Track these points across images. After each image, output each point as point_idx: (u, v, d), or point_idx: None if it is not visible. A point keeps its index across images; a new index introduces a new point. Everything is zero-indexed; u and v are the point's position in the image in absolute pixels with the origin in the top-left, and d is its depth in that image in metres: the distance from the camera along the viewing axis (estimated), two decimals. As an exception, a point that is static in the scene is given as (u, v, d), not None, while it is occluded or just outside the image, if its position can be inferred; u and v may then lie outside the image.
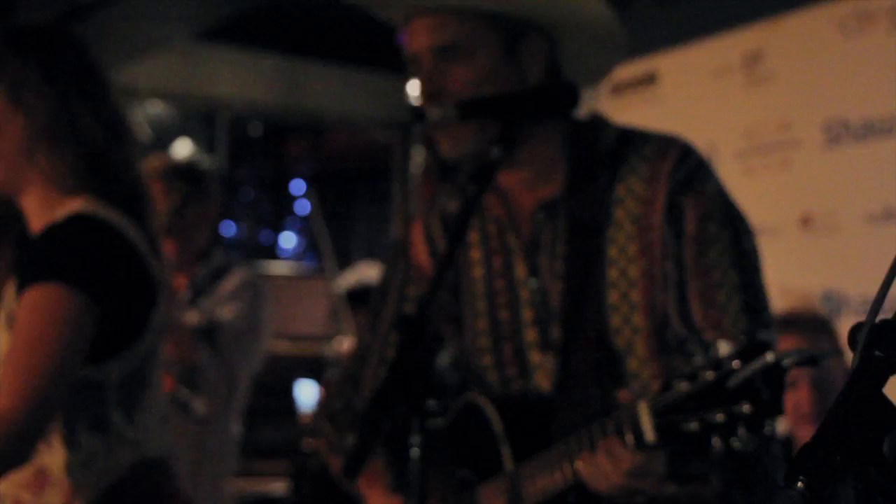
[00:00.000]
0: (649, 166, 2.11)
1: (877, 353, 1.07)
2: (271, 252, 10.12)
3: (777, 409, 1.63)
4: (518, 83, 2.10)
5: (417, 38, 2.13)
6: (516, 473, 2.07)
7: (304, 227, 10.17)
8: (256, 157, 9.43)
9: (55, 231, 2.25)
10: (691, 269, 2.05)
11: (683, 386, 1.70)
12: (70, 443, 2.26)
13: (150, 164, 3.80)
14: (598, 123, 2.20)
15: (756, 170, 5.04)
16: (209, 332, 3.81)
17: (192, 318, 3.85)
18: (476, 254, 2.25)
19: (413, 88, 2.14)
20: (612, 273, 2.09)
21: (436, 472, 2.22)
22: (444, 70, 2.09)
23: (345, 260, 8.17)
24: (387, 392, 1.87)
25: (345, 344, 5.40)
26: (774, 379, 1.62)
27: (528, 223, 2.18)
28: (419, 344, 1.90)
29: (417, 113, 2.11)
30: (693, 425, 1.70)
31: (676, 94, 5.46)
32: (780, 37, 5.00)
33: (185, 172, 3.91)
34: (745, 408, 1.63)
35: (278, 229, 10.45)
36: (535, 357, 2.15)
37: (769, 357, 1.60)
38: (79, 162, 2.29)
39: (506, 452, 2.10)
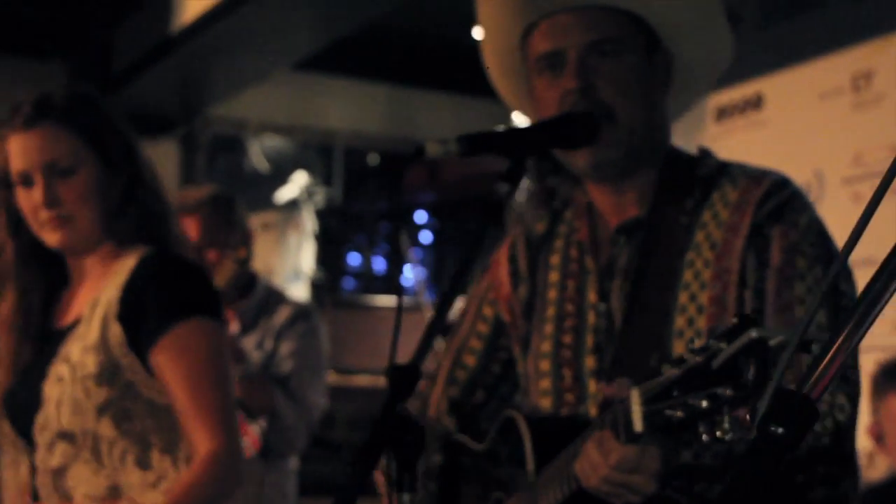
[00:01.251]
0: (739, 193, 2.03)
1: (774, 427, 0.98)
2: (390, 284, 10.09)
3: (760, 391, 1.47)
4: (657, 91, 2.09)
5: (563, 33, 2.06)
6: (534, 485, 1.99)
7: (425, 259, 10.13)
8: (373, 189, 9.45)
9: (158, 273, 2.38)
10: (773, 303, 1.95)
11: (671, 371, 1.58)
12: (143, 463, 2.35)
13: (182, 198, 3.83)
14: (702, 155, 2.15)
15: (865, 197, 4.75)
16: (282, 380, 3.78)
17: (255, 357, 3.81)
18: (554, 276, 2.21)
19: (567, 85, 2.04)
20: (683, 298, 2.01)
21: (473, 499, 2.22)
22: (595, 66, 2.03)
23: (463, 287, 8.07)
24: (373, 448, 1.73)
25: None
26: (758, 357, 1.47)
27: (607, 246, 2.13)
28: (409, 394, 1.78)
29: (417, 149, 1.96)
30: (678, 413, 1.57)
31: (782, 118, 5.22)
32: (890, 56, 4.73)
33: (215, 204, 3.87)
34: (728, 391, 1.50)
35: (396, 261, 10.39)
36: (591, 386, 2.09)
37: (753, 334, 1.47)
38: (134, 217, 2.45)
39: (530, 467, 2.02)
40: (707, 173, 2.10)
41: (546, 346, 2.18)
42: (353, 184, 9.39)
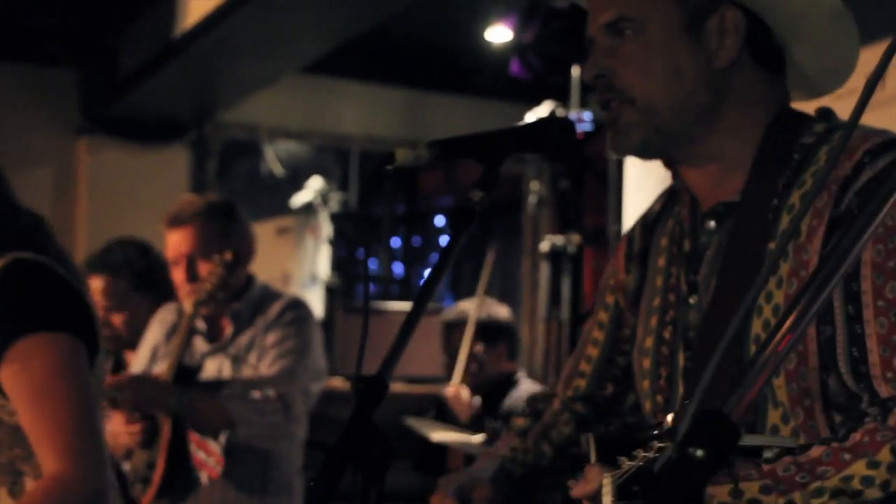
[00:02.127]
0: (829, 165, 1.68)
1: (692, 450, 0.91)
2: (408, 288, 10.04)
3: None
4: (700, 65, 1.83)
5: (591, 18, 1.92)
6: None
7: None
8: (389, 193, 9.40)
9: (8, 283, 2.18)
10: (870, 304, 1.64)
11: (642, 456, 1.48)
12: (15, 492, 2.20)
13: (177, 210, 3.79)
14: (818, 116, 1.83)
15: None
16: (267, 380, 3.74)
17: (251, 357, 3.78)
18: (662, 261, 1.99)
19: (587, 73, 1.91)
20: (760, 296, 1.74)
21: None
22: (612, 49, 1.87)
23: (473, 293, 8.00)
24: (336, 458, 1.66)
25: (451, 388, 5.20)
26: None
27: (700, 230, 1.90)
28: (377, 405, 1.71)
29: (387, 156, 1.89)
30: None
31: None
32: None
33: (209, 215, 3.82)
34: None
35: (413, 265, 10.36)
36: (681, 387, 1.87)
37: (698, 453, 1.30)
38: None
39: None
40: (810, 141, 1.78)
41: (649, 342, 1.96)
42: (370, 188, 9.33)
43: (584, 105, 6.03)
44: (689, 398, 1.69)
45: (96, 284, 4.31)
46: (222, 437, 3.69)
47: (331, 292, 8.04)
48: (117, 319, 4.29)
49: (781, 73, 1.87)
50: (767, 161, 1.80)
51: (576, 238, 5.81)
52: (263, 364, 3.76)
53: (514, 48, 5.88)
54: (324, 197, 8.00)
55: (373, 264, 10.01)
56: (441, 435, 4.63)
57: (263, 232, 10.58)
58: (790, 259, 1.71)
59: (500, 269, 9.68)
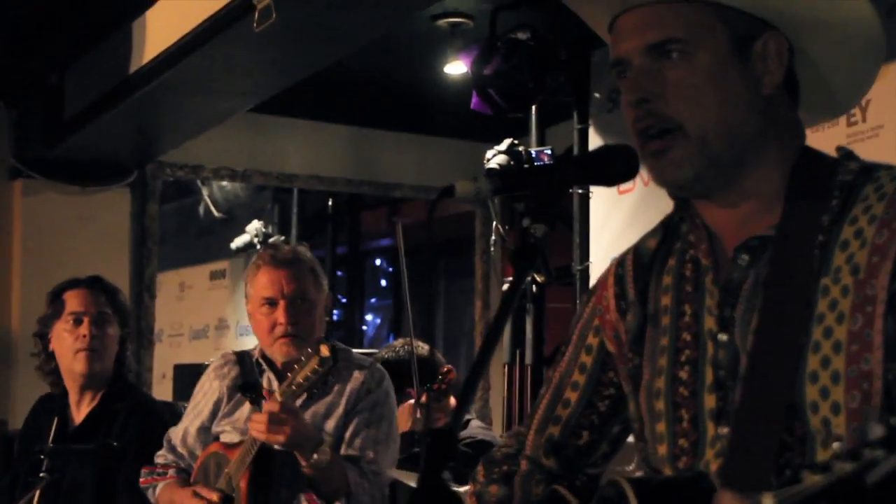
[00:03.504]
0: (887, 204, 1.70)
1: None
2: (351, 332, 9.84)
3: None
4: (751, 91, 1.78)
5: (625, 38, 1.83)
6: None
7: (383, 305, 9.89)
8: (330, 233, 9.21)
9: None
10: None
11: (814, 479, 1.28)
12: None
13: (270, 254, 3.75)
14: (842, 157, 1.82)
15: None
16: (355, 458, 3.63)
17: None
18: (667, 300, 1.91)
19: (628, 97, 1.81)
20: (817, 333, 1.69)
21: None
22: (655, 73, 1.78)
23: (428, 336, 7.83)
24: None
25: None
26: None
27: (728, 265, 1.83)
28: (447, 462, 1.59)
29: (446, 189, 1.80)
30: None
31: None
32: (886, 86, 4.55)
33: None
34: None
35: (355, 309, 10.17)
36: (710, 429, 1.79)
37: None
38: None
39: None
40: (849, 179, 1.77)
41: (660, 383, 1.88)
42: (310, 229, 9.16)
43: (542, 142, 5.93)
44: (736, 440, 1.70)
45: (89, 295, 4.24)
46: None
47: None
48: (94, 332, 4.19)
49: (798, 103, 1.86)
50: (803, 196, 1.77)
51: (539, 278, 5.66)
52: (356, 438, 3.61)
53: (474, 83, 5.74)
54: (263, 239, 7.77)
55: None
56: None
57: (197, 276, 10.35)
58: (851, 294, 1.67)
59: (448, 310, 9.55)
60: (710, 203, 1.84)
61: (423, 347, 5.06)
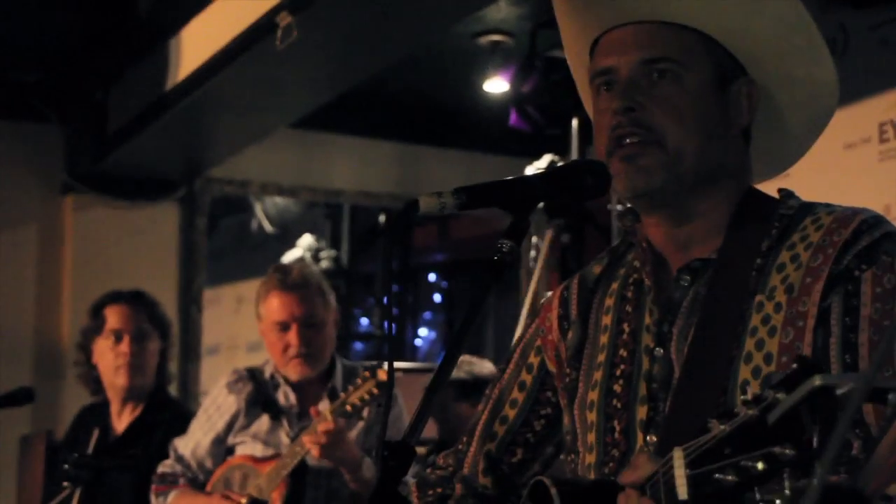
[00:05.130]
0: (823, 234, 1.80)
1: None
2: (401, 347, 9.87)
3: (825, 451, 1.22)
4: (723, 125, 1.88)
5: (618, 49, 1.89)
6: None
7: (436, 320, 9.93)
8: (381, 249, 9.24)
9: None
10: (866, 357, 1.71)
11: (720, 427, 1.34)
12: None
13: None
14: (783, 196, 1.93)
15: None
16: None
17: None
18: (608, 319, 2.00)
19: (613, 105, 1.86)
20: (749, 345, 1.78)
21: None
22: (647, 86, 1.85)
23: (478, 351, 7.84)
24: None
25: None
26: (823, 410, 1.23)
27: (670, 286, 1.92)
28: (404, 474, 1.65)
29: (410, 203, 1.81)
30: (730, 477, 1.32)
31: (807, 170, 4.96)
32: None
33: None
34: (788, 450, 1.25)
35: (407, 323, 10.21)
36: (640, 439, 1.86)
37: (816, 381, 1.22)
38: None
39: None
40: (789, 213, 1.87)
41: (594, 395, 1.95)
42: (361, 244, 9.21)
43: (583, 157, 5.92)
44: (663, 447, 1.71)
45: (128, 310, 4.31)
46: None
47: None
48: (139, 349, 4.27)
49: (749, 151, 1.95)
50: (746, 224, 1.87)
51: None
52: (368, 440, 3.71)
53: (513, 100, 5.76)
54: (315, 254, 7.85)
55: (364, 322, 9.86)
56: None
57: (252, 290, 10.44)
58: (784, 310, 1.77)
59: (494, 324, 9.56)
60: (660, 222, 1.91)
61: (488, 366, 5.11)
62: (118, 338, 4.31)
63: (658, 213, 1.91)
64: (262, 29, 4.19)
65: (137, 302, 4.43)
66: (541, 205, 1.90)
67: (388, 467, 1.63)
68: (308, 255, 7.97)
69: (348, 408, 3.44)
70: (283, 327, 3.78)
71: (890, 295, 1.73)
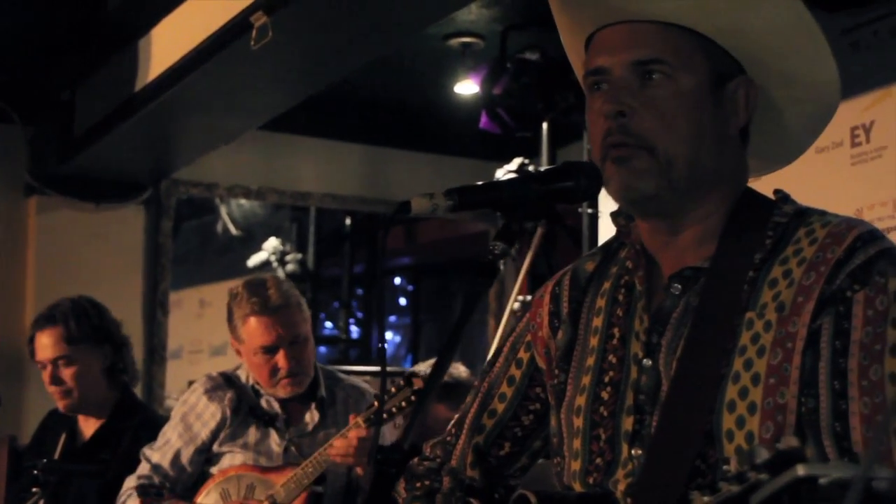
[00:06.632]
0: (817, 249, 1.76)
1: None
2: (367, 350, 9.83)
3: None
4: (719, 126, 1.84)
5: (610, 49, 1.86)
6: None
7: (401, 324, 9.88)
8: (347, 252, 9.21)
9: None
10: (856, 383, 1.67)
11: (703, 500, 1.32)
12: None
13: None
14: (779, 199, 1.89)
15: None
16: None
17: None
18: (598, 322, 1.96)
19: (603, 109, 1.83)
20: (737, 364, 1.74)
21: None
22: (635, 89, 1.82)
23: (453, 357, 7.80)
24: None
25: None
26: (805, 500, 1.20)
27: (661, 293, 1.89)
28: (396, 478, 1.64)
29: (402, 205, 1.77)
30: None
31: (780, 174, 4.99)
32: (890, 108, 4.53)
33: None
34: None
35: (372, 327, 10.17)
36: (624, 450, 1.84)
37: (800, 471, 1.19)
38: None
39: None
40: (783, 221, 1.83)
41: (581, 401, 1.92)
42: (327, 247, 9.16)
43: (553, 162, 5.91)
44: (649, 464, 1.74)
45: (46, 338, 4.22)
46: None
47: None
48: (67, 373, 4.19)
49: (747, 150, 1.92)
50: (739, 233, 1.83)
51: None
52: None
53: (483, 102, 5.74)
54: (280, 257, 7.79)
55: (329, 326, 9.80)
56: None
57: (217, 294, 10.36)
58: (773, 330, 1.73)
59: (466, 327, 9.50)
60: (655, 227, 1.88)
61: (463, 369, 5.09)
62: (44, 368, 4.25)
63: (652, 219, 1.89)
64: (235, 29, 4.14)
65: (63, 324, 4.27)
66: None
67: (381, 471, 1.60)
68: (273, 259, 7.89)
69: (384, 416, 3.43)
70: (270, 350, 3.71)
71: (882, 317, 1.69)
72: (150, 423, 4.25)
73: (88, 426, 4.33)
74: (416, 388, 3.37)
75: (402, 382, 3.42)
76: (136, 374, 4.50)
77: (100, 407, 4.28)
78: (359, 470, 3.51)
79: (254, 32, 3.91)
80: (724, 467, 1.29)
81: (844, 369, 1.67)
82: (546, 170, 1.88)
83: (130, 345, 4.50)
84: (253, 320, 3.69)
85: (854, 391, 1.66)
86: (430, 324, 9.76)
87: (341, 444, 3.43)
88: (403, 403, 3.39)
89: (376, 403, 3.45)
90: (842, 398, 1.66)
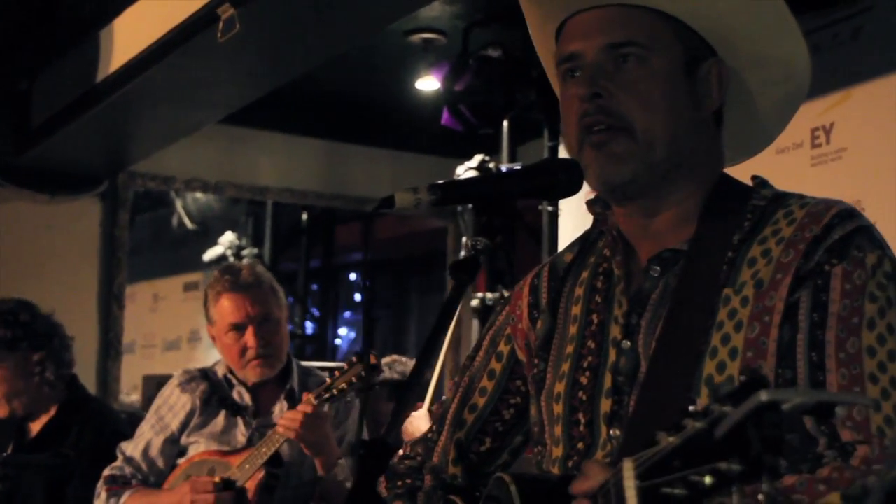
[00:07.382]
0: (795, 228, 1.77)
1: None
2: (323, 346, 9.81)
3: (773, 467, 1.20)
4: (694, 108, 1.84)
5: (583, 34, 1.86)
6: None
7: (356, 320, 9.87)
8: (304, 247, 9.17)
9: None
10: (834, 355, 1.69)
11: (669, 440, 1.32)
12: None
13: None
14: (757, 185, 1.90)
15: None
16: None
17: None
18: (577, 310, 1.96)
19: (579, 92, 1.82)
20: (715, 339, 1.75)
21: None
22: (610, 71, 1.82)
23: (400, 351, 7.81)
24: None
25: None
26: (769, 426, 1.20)
27: (638, 277, 1.89)
28: (381, 473, 1.61)
29: (386, 199, 1.78)
30: (678, 490, 1.29)
31: (741, 174, 5.04)
32: (850, 110, 4.58)
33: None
34: (735, 465, 1.23)
35: (328, 323, 10.15)
36: (603, 432, 1.84)
37: (762, 397, 1.18)
38: None
39: None
40: (762, 204, 1.84)
41: (560, 387, 1.92)
42: (284, 243, 9.12)
43: (513, 159, 5.93)
44: (627, 443, 1.75)
45: None
46: None
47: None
48: None
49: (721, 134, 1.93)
50: (717, 215, 1.84)
51: (507, 294, 5.64)
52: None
53: (445, 99, 5.74)
54: (237, 252, 7.75)
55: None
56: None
57: (171, 288, 10.30)
58: (751, 304, 1.74)
59: (420, 325, 9.54)
60: (632, 211, 1.88)
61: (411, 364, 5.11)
62: None
63: (630, 204, 1.89)
64: (201, 21, 4.10)
65: None
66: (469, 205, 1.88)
67: (365, 466, 1.59)
68: (230, 253, 7.85)
69: (334, 391, 3.42)
70: (239, 328, 3.69)
71: (859, 291, 1.70)
72: (100, 414, 4.22)
73: (36, 422, 4.27)
74: (371, 363, 3.36)
75: (354, 359, 3.43)
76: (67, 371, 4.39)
77: (45, 407, 4.22)
78: (303, 447, 3.49)
79: (220, 25, 3.88)
80: (691, 407, 1.29)
81: (822, 341, 1.69)
82: (528, 166, 1.87)
83: (70, 342, 4.38)
84: (223, 298, 3.70)
85: (831, 363, 1.68)
86: (385, 320, 9.75)
87: (287, 417, 3.43)
88: (354, 379, 3.38)
89: (328, 380, 3.45)
90: (819, 370, 1.68)
